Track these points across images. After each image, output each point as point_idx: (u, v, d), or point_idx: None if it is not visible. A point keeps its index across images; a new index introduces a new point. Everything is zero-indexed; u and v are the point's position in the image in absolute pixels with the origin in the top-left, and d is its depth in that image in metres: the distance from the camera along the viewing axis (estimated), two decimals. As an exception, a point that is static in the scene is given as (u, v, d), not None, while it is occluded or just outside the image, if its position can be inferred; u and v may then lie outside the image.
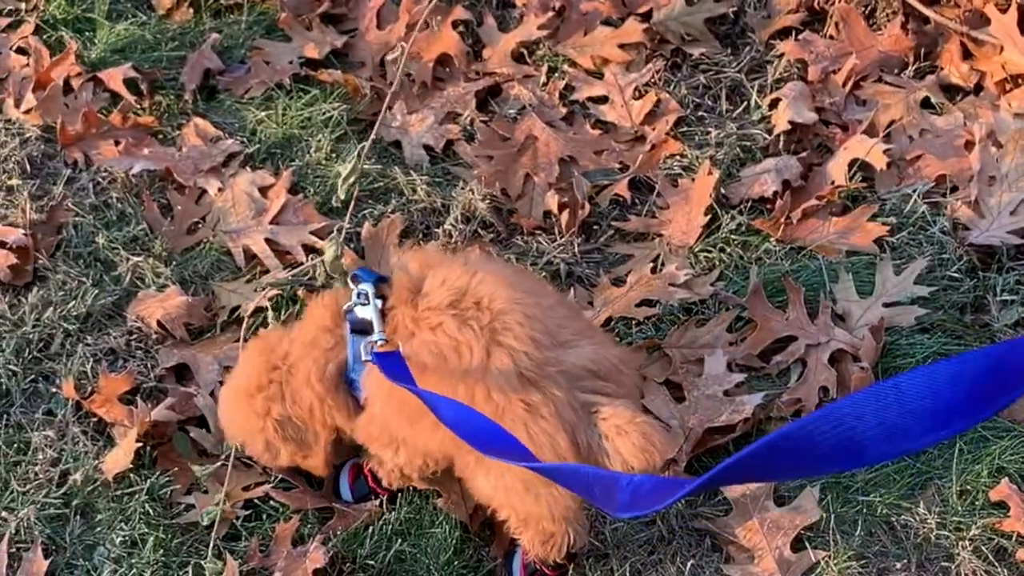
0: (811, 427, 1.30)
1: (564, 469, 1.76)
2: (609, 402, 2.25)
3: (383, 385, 2.31)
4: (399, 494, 2.92)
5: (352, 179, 2.91)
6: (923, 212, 3.41)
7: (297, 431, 2.56)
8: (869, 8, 3.93)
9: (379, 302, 2.36)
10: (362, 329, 2.37)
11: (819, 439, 1.29)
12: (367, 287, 2.38)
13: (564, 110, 3.80)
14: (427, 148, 3.71)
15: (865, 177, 3.52)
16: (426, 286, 2.34)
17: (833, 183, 3.47)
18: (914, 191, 3.46)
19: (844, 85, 3.73)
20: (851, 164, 3.50)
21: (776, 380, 3.14)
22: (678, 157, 3.62)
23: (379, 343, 2.30)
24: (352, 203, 3.21)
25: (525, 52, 3.95)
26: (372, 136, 3.13)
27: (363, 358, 2.32)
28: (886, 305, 3.20)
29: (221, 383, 3.08)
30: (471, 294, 2.28)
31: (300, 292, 3.27)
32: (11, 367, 3.19)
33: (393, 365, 2.23)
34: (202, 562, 2.84)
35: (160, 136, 3.77)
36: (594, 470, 1.64)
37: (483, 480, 2.38)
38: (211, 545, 2.84)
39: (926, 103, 3.71)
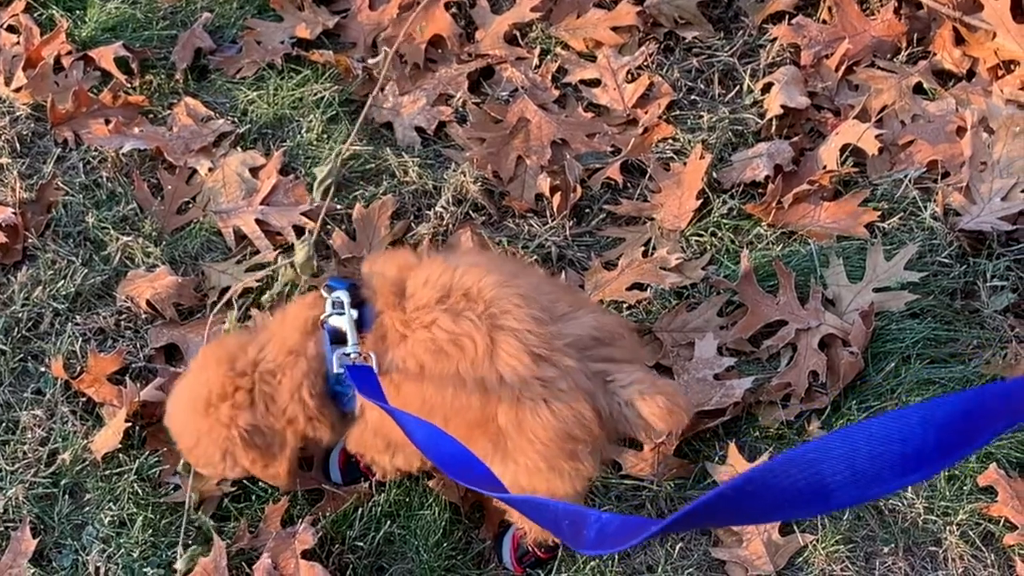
0: (778, 470, 1.28)
1: (532, 502, 1.74)
2: (620, 368, 2.28)
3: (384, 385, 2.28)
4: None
5: (328, 181, 2.89)
6: (914, 197, 3.42)
7: (265, 440, 2.42)
8: (862, -7, 3.93)
9: (355, 312, 2.29)
10: (341, 339, 2.30)
11: (786, 483, 1.28)
12: (342, 295, 2.31)
13: (556, 93, 3.79)
14: (419, 130, 3.70)
15: (857, 162, 3.52)
16: (409, 287, 2.31)
17: (825, 168, 3.47)
18: (905, 176, 3.46)
19: (837, 70, 3.73)
20: (843, 149, 3.50)
21: (766, 364, 3.14)
22: (670, 141, 3.62)
23: (352, 356, 2.25)
24: (326, 204, 3.20)
25: (518, 34, 3.94)
26: (351, 138, 3.13)
27: (335, 370, 2.27)
28: (876, 290, 3.20)
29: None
30: (457, 287, 2.27)
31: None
32: (0, 346, 3.18)
33: (365, 381, 2.19)
34: (189, 542, 2.85)
35: (151, 115, 3.75)
36: (564, 505, 1.63)
37: (500, 468, 2.32)
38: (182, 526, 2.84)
39: (918, 88, 3.71)
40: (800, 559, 2.82)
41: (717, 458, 2.96)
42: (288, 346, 2.37)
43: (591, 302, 2.79)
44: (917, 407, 1.25)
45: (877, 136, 3.50)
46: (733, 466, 2.91)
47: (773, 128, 3.60)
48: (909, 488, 2.89)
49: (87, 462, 2.98)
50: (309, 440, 2.48)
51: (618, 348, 2.33)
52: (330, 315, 2.31)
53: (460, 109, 3.75)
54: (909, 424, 1.24)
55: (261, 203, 3.45)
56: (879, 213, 3.37)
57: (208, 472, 2.61)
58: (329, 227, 3.41)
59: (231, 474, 2.52)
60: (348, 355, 2.25)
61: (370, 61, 3.86)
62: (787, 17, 3.91)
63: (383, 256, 2.50)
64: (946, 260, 3.29)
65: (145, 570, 2.79)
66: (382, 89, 3.71)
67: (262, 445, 2.41)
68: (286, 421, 2.39)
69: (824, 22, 3.87)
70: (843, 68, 3.73)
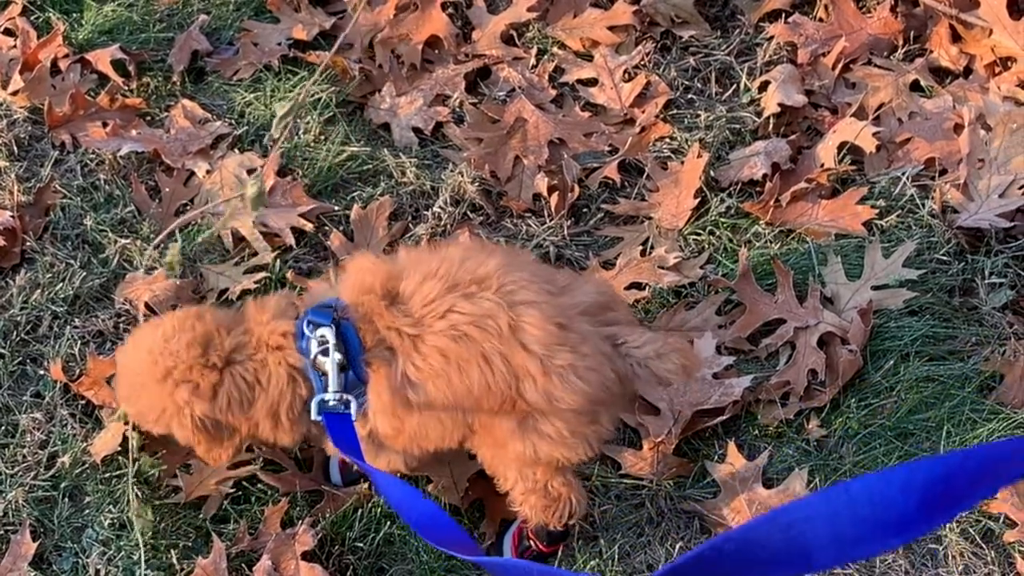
0: (758, 530, 1.28)
1: (508, 565, 1.74)
2: (630, 331, 2.35)
3: (397, 396, 2.27)
4: (388, 476, 2.92)
5: (289, 118, 2.88)
6: (912, 195, 3.42)
7: (217, 430, 2.34)
8: (859, -9, 3.93)
9: (339, 356, 2.24)
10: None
11: (765, 543, 1.27)
12: (327, 334, 2.25)
13: (553, 92, 3.79)
14: (416, 130, 3.70)
15: (854, 160, 3.52)
16: (406, 290, 2.28)
17: (822, 166, 3.47)
18: (903, 174, 3.46)
19: (833, 68, 3.73)
20: (840, 147, 3.50)
21: (765, 363, 3.14)
22: (667, 140, 3.62)
23: (332, 402, 2.23)
24: (280, 140, 3.15)
25: (515, 34, 3.94)
26: (315, 78, 3.12)
27: (313, 416, 2.24)
28: (875, 288, 3.21)
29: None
30: (464, 275, 2.27)
31: (289, 275, 3.27)
32: (-1, 350, 3.19)
33: (342, 432, 2.18)
34: (189, 544, 2.85)
35: (148, 118, 3.75)
36: (538, 567, 1.63)
37: (520, 445, 2.34)
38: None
39: (915, 86, 3.71)
40: (800, 557, 2.82)
41: (716, 457, 2.96)
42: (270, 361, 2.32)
43: (579, 275, 2.83)
44: (899, 469, 1.24)
45: (874, 134, 3.50)
46: (732, 464, 2.91)
47: (770, 126, 3.60)
48: (909, 485, 2.89)
49: (86, 465, 2.97)
50: (263, 442, 2.46)
51: (620, 313, 2.42)
52: (316, 356, 2.26)
53: (457, 109, 3.75)
54: (891, 488, 1.23)
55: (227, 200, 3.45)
56: (877, 211, 3.37)
57: (134, 420, 2.55)
58: (327, 228, 3.41)
59: (170, 440, 2.45)
60: (327, 402, 2.24)
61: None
62: (783, 15, 3.90)
63: (352, 275, 2.39)
64: (944, 257, 3.29)
65: (145, 572, 2.79)
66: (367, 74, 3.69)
67: (212, 433, 2.34)
68: (250, 425, 2.35)
69: (821, 20, 3.87)
70: (840, 66, 3.73)
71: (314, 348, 2.26)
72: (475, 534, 2.89)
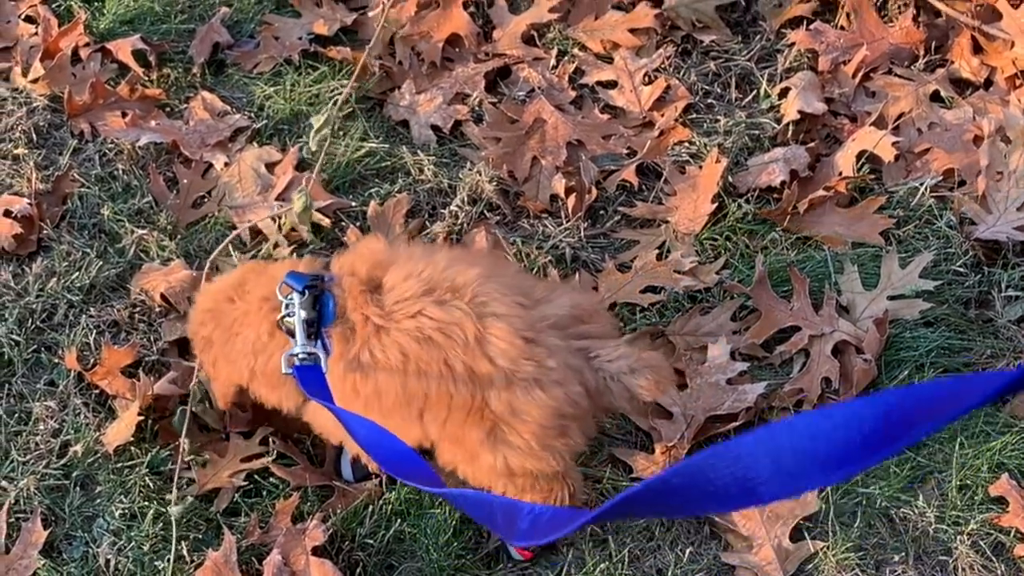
0: (705, 464, 1.29)
1: (469, 496, 1.75)
2: (603, 344, 2.36)
3: (345, 382, 2.34)
4: (399, 474, 2.92)
5: (325, 130, 2.90)
6: (930, 206, 3.41)
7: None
8: (881, 0, 3.92)
9: (304, 313, 2.33)
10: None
11: (713, 476, 1.29)
12: (295, 297, 2.35)
13: (573, 94, 3.79)
14: (435, 128, 3.70)
15: (873, 169, 3.52)
16: (388, 282, 2.35)
17: (841, 174, 3.46)
18: (921, 184, 3.45)
19: (854, 76, 3.72)
20: (859, 156, 3.49)
21: (779, 370, 3.14)
22: (686, 144, 3.62)
23: (301, 356, 2.30)
24: (322, 154, 3.19)
25: (535, 35, 3.94)
26: (347, 91, 3.13)
27: (283, 370, 2.33)
28: (891, 298, 3.20)
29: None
30: (443, 280, 2.32)
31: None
32: (14, 337, 3.18)
33: (311, 380, 2.24)
34: (200, 536, 2.85)
35: (167, 109, 3.76)
36: (499, 499, 1.67)
37: (491, 457, 2.38)
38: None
39: (935, 96, 3.71)
40: (810, 566, 2.82)
41: (728, 463, 2.95)
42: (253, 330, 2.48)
43: (563, 285, 2.86)
44: (839, 406, 1.26)
45: (894, 143, 3.49)
46: (744, 471, 2.90)
47: (789, 133, 3.59)
48: (920, 496, 2.88)
49: (99, 454, 2.98)
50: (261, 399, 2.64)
51: (596, 325, 2.42)
52: (284, 316, 2.36)
53: (476, 108, 3.75)
54: (830, 424, 1.25)
55: (276, 199, 3.46)
56: (894, 220, 3.37)
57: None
58: (344, 223, 3.41)
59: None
60: (296, 355, 2.30)
61: (370, 13, 3.88)
62: (805, 22, 3.90)
63: (352, 252, 2.54)
64: (961, 269, 3.28)
65: (155, 563, 2.80)
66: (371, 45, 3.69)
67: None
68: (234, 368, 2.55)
69: (842, 28, 3.86)
70: (860, 74, 3.73)
71: (283, 309, 2.37)
72: (484, 535, 2.89)
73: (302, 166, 3.54)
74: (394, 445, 1.94)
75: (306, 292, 2.33)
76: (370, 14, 3.95)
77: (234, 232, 3.31)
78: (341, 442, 2.65)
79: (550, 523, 1.54)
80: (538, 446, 2.34)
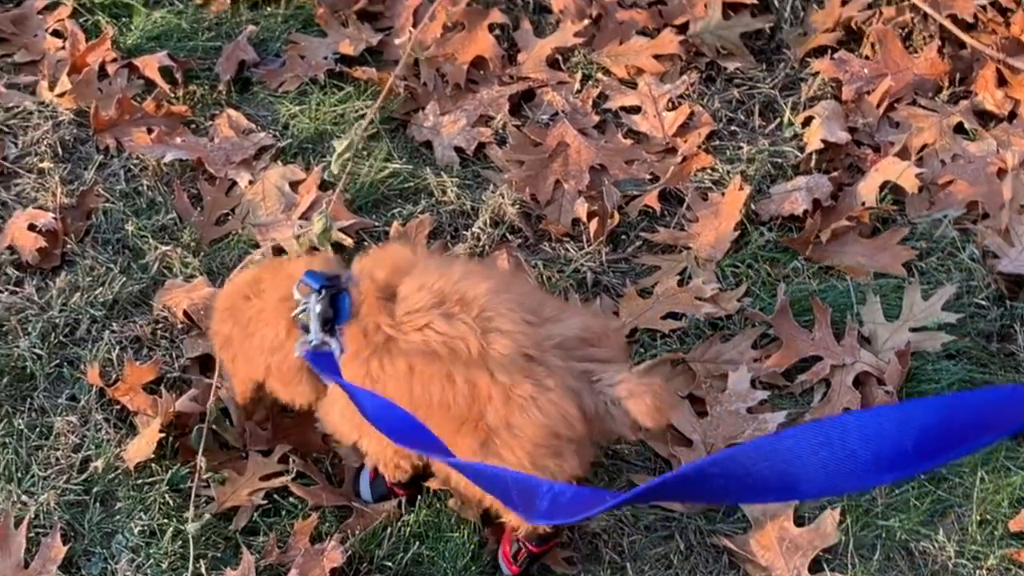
0: (745, 456, 1.29)
1: (481, 469, 1.76)
2: (606, 368, 2.34)
3: (356, 383, 2.33)
4: (418, 496, 2.92)
5: (347, 154, 2.92)
6: (953, 238, 3.41)
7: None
8: (906, 30, 3.92)
9: (319, 308, 2.36)
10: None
11: (752, 468, 1.28)
12: (312, 296, 2.38)
13: (596, 118, 3.80)
14: (458, 150, 3.71)
15: (896, 200, 3.52)
16: (401, 292, 2.38)
17: (864, 204, 3.46)
18: (945, 217, 3.45)
19: (878, 106, 3.73)
20: (882, 186, 3.49)
21: (799, 399, 3.13)
22: (709, 171, 3.62)
23: (314, 343, 2.35)
24: (344, 176, 3.20)
25: (560, 58, 3.95)
26: (371, 114, 3.15)
27: (296, 354, 2.38)
28: (913, 330, 3.20)
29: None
30: (453, 293, 2.33)
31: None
32: (36, 351, 3.20)
33: (323, 360, 2.30)
34: (218, 555, 2.85)
35: (193, 126, 3.78)
36: (515, 474, 1.65)
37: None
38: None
39: (959, 128, 3.71)
40: (828, 597, 2.82)
41: (748, 492, 2.95)
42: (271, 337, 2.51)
43: (577, 306, 2.93)
44: (896, 407, 1.24)
45: (917, 174, 3.49)
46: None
47: (812, 162, 3.60)
48: (940, 530, 2.88)
49: (119, 471, 2.98)
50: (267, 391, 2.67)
51: (603, 348, 2.40)
52: (301, 311, 2.40)
53: (500, 131, 3.76)
54: (887, 424, 1.23)
55: (300, 217, 3.47)
56: (917, 252, 3.37)
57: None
58: (366, 243, 3.42)
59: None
60: (310, 342, 2.35)
61: (396, 41, 3.90)
62: (830, 51, 3.91)
63: (374, 255, 2.57)
64: (983, 302, 3.28)
65: (174, 581, 2.80)
66: (397, 70, 3.70)
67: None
68: (248, 372, 2.62)
69: (867, 58, 3.87)
70: (884, 105, 3.73)
71: (298, 307, 2.40)
72: (477, 540, 2.89)
73: (326, 185, 3.55)
74: (403, 416, 1.97)
75: (323, 291, 2.37)
76: (396, 42, 3.96)
77: (257, 251, 3.33)
78: (355, 443, 2.64)
79: (571, 504, 1.53)
80: (530, 464, 2.34)
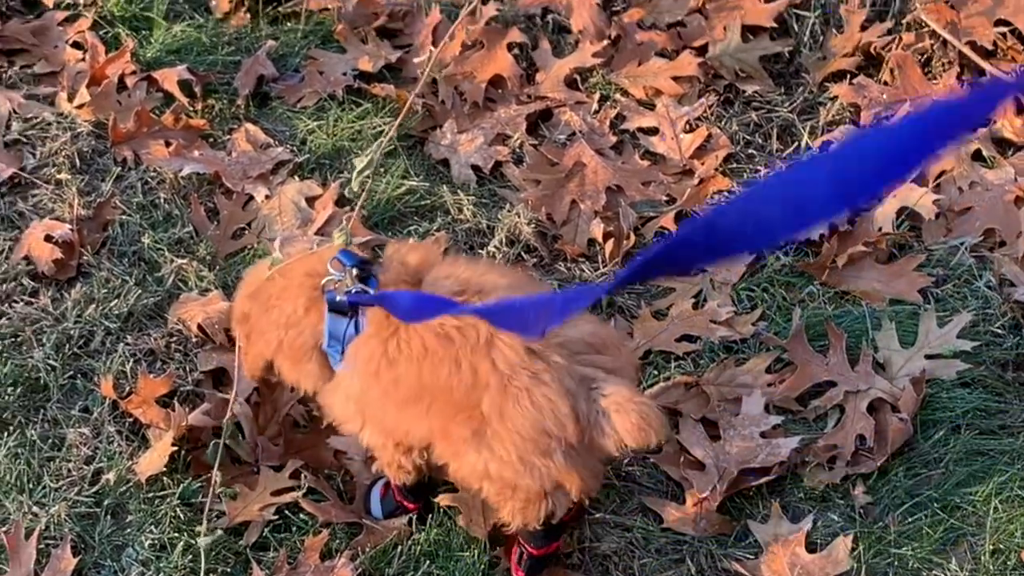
0: (755, 196, 1.37)
1: (500, 307, 1.90)
2: (607, 378, 2.35)
3: (371, 363, 2.40)
4: (429, 515, 2.92)
5: (367, 172, 2.93)
6: (970, 265, 3.40)
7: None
8: (925, 57, 3.92)
9: (349, 280, 2.41)
10: (340, 310, 2.43)
11: (763, 206, 1.34)
12: (349, 268, 2.43)
13: (614, 139, 3.80)
14: (475, 168, 3.72)
15: (913, 226, 3.51)
16: (428, 279, 2.43)
17: (880, 230, 3.45)
18: (961, 244, 3.44)
19: (896, 132, 3.71)
20: (899, 212, 3.49)
21: (813, 425, 3.12)
22: (726, 193, 3.62)
23: (338, 282, 2.42)
24: (363, 195, 3.22)
25: (578, 78, 3.96)
26: (390, 132, 3.16)
27: (336, 297, 2.42)
28: (928, 357, 3.18)
29: (257, 391, 3.10)
30: (474, 284, 2.38)
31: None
32: (50, 362, 3.20)
33: (363, 298, 2.38)
34: (229, 570, 2.85)
35: (211, 139, 3.79)
36: (528, 299, 1.72)
37: (474, 456, 2.41)
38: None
39: (977, 155, 3.70)
40: (840, 627, 2.80)
41: (760, 517, 2.94)
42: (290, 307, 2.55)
43: (593, 316, 2.91)
44: (897, 120, 1.32)
45: (934, 201, 3.49)
46: (776, 526, 2.89)
47: (830, 187, 3.58)
48: (952, 559, 2.86)
49: (131, 483, 2.98)
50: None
51: (608, 358, 2.42)
52: (331, 279, 2.45)
53: (517, 150, 3.77)
54: (895, 129, 1.31)
55: (316, 233, 3.47)
56: (933, 279, 3.36)
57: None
58: (382, 260, 3.42)
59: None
60: (348, 291, 2.41)
61: (415, 60, 3.92)
62: (849, 76, 3.91)
63: (408, 245, 2.62)
64: (999, 331, 3.27)
65: (183, 595, 2.80)
66: (416, 90, 3.71)
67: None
68: (261, 345, 2.64)
69: (886, 83, 3.87)
70: (903, 131, 3.71)
71: (329, 278, 2.46)
72: (487, 560, 2.88)
73: (342, 201, 3.56)
74: (429, 297, 2.23)
75: (355, 269, 2.42)
76: (415, 60, 3.97)
77: (275, 267, 3.33)
78: (358, 433, 2.65)
79: (579, 294, 1.69)
80: (517, 458, 2.36)
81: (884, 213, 3.49)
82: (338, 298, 2.41)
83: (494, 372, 2.30)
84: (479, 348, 2.30)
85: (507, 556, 2.84)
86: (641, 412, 2.30)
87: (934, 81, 3.85)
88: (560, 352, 2.33)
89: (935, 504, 2.95)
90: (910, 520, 2.93)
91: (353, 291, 2.39)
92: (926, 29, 3.92)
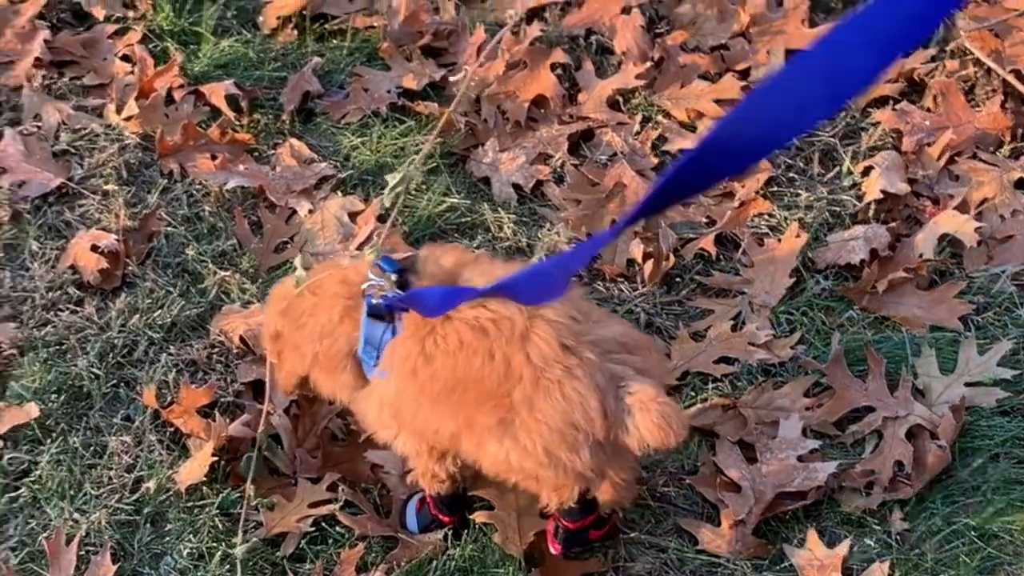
0: (791, 74, 1.37)
1: (527, 275, 1.95)
2: (636, 377, 2.38)
3: (408, 362, 2.43)
4: (464, 531, 2.93)
5: (399, 188, 2.95)
6: (1011, 293, 3.39)
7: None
8: (969, 84, 3.91)
9: (394, 276, 2.46)
10: (378, 315, 2.47)
11: (801, 86, 1.36)
12: (390, 276, 2.46)
13: (655, 160, 3.81)
14: (516, 187, 3.74)
15: (954, 253, 3.50)
16: (464, 276, 2.47)
17: (921, 256, 3.45)
18: (1003, 272, 3.43)
19: (938, 159, 3.71)
20: (941, 238, 3.48)
21: (850, 450, 3.11)
22: (766, 216, 3.62)
23: (376, 286, 2.46)
24: (395, 211, 3.24)
25: (620, 99, 3.97)
26: (426, 147, 3.19)
27: (373, 301, 2.45)
28: (968, 384, 3.17)
29: (296, 403, 3.12)
30: None
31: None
32: (94, 370, 3.24)
33: (403, 299, 2.41)
34: (265, 580, 2.88)
35: (256, 154, 3.83)
36: (548, 262, 1.79)
37: (495, 446, 2.42)
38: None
39: (1020, 184, 3.68)
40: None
41: (796, 541, 2.93)
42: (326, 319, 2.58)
43: (625, 320, 3.01)
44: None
45: (976, 228, 3.47)
46: (812, 551, 2.88)
47: (871, 212, 3.59)
48: (989, 588, 2.85)
49: (171, 492, 3.01)
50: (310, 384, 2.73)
51: (639, 358, 2.45)
52: (371, 284, 2.47)
53: (558, 169, 3.79)
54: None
55: (357, 248, 3.50)
56: (974, 306, 3.35)
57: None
58: (417, 262, 3.44)
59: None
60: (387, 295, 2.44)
61: (451, 78, 3.95)
62: (891, 102, 3.90)
63: (443, 247, 2.64)
64: (1040, 359, 3.26)
65: (220, 604, 2.82)
66: (453, 106, 3.73)
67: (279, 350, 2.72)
68: (296, 359, 2.66)
69: (928, 110, 3.86)
70: (945, 157, 3.71)
71: (369, 282, 2.48)
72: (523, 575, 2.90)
73: (384, 217, 3.58)
74: (456, 289, 2.30)
75: (395, 276, 2.46)
76: (452, 78, 4.00)
77: (313, 278, 3.35)
78: (391, 442, 2.67)
79: (593, 240, 1.84)
80: (542, 449, 2.37)
81: (925, 239, 3.48)
82: (374, 301, 2.45)
83: (528, 365, 2.33)
84: (514, 340, 2.34)
85: (548, 530, 2.88)
86: (663, 412, 2.33)
87: (977, 109, 3.84)
88: (592, 349, 2.37)
89: (972, 532, 2.93)
90: (947, 548, 2.92)
91: (390, 295, 2.43)
92: (970, 56, 3.92)
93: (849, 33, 1.33)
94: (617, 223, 1.52)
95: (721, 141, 1.42)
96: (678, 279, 3.52)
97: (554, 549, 2.86)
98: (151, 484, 3.02)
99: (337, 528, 2.96)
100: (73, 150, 3.84)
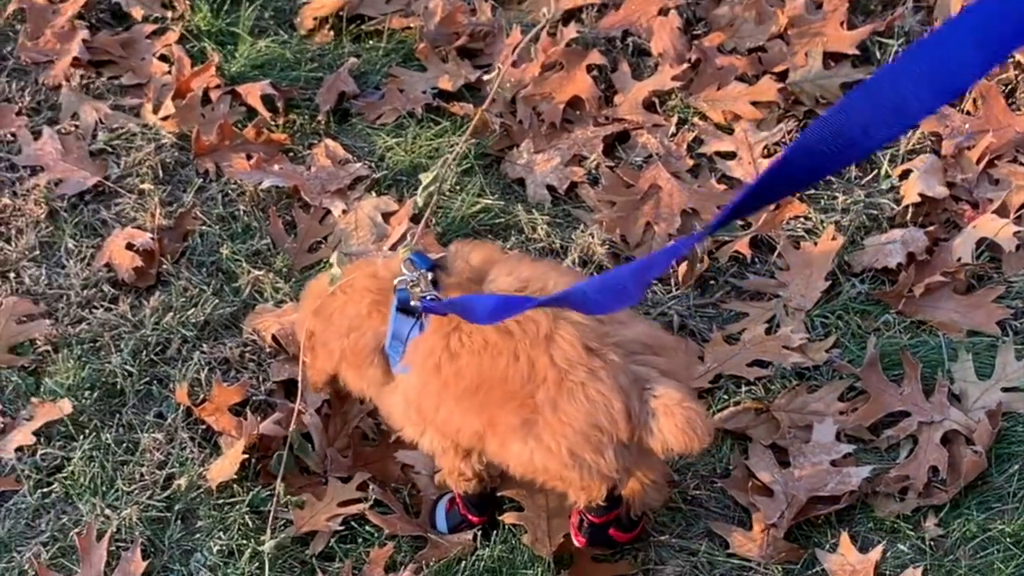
0: (869, 90, 1.37)
1: (593, 286, 1.92)
2: (660, 379, 2.38)
3: (432, 357, 2.43)
4: (494, 531, 2.92)
5: (432, 188, 2.95)
6: (1050, 298, 3.35)
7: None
8: (1010, 87, 3.87)
9: (430, 274, 2.47)
10: (408, 310, 2.47)
11: (873, 103, 1.36)
12: (423, 271, 2.47)
13: (691, 162, 3.79)
14: (550, 188, 3.72)
15: (992, 257, 3.46)
16: (491, 275, 2.48)
17: (959, 260, 3.41)
18: (1042, 276, 3.39)
19: (978, 162, 3.67)
20: (979, 243, 3.43)
21: (885, 455, 3.08)
22: (802, 219, 3.59)
23: (409, 281, 2.45)
24: (428, 211, 3.24)
25: (656, 101, 3.95)
26: (459, 147, 3.18)
27: (411, 302, 2.44)
28: (1005, 390, 3.13)
29: (327, 402, 3.13)
30: (536, 281, 2.43)
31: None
32: (127, 367, 3.26)
33: (435, 306, 2.40)
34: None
35: (291, 154, 3.84)
36: (626, 267, 1.86)
37: (519, 447, 2.42)
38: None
39: (1061, 188, 3.64)
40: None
41: (828, 546, 2.90)
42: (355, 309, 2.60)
43: (650, 320, 3.01)
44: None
45: (1015, 233, 3.43)
46: (844, 556, 2.85)
47: (908, 215, 3.55)
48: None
49: (202, 489, 3.03)
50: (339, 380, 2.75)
51: (664, 360, 2.44)
52: (403, 279, 2.48)
53: (593, 171, 3.77)
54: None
55: (390, 248, 3.50)
56: (1012, 311, 3.31)
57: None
58: (445, 258, 3.44)
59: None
60: (423, 296, 2.44)
61: (485, 78, 3.96)
62: (931, 105, 3.86)
63: (471, 244, 2.66)
64: (1079, 365, 3.21)
65: (250, 601, 2.83)
66: (486, 104, 3.73)
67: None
68: (326, 355, 2.68)
69: (968, 113, 3.82)
70: (985, 161, 3.67)
71: (402, 277, 2.49)
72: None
73: (418, 218, 3.58)
74: (498, 298, 2.28)
75: (428, 272, 2.47)
76: (485, 77, 3.99)
77: (345, 278, 3.36)
78: (418, 441, 2.68)
79: (679, 243, 1.62)
80: (566, 450, 2.37)
81: (964, 243, 3.44)
82: (412, 302, 2.44)
83: (552, 367, 2.33)
84: (539, 342, 2.34)
85: (571, 523, 2.88)
86: (687, 416, 2.32)
87: (1018, 112, 3.79)
88: (617, 351, 2.36)
89: (1008, 539, 2.89)
90: (982, 555, 2.88)
91: (428, 297, 2.42)
92: (1011, 60, 3.87)
93: (957, 30, 1.32)
94: (701, 230, 1.53)
95: (815, 141, 1.41)
96: (712, 281, 3.49)
97: (578, 542, 2.85)
98: (182, 481, 3.03)
99: (367, 527, 2.96)
100: (110, 149, 3.86)
